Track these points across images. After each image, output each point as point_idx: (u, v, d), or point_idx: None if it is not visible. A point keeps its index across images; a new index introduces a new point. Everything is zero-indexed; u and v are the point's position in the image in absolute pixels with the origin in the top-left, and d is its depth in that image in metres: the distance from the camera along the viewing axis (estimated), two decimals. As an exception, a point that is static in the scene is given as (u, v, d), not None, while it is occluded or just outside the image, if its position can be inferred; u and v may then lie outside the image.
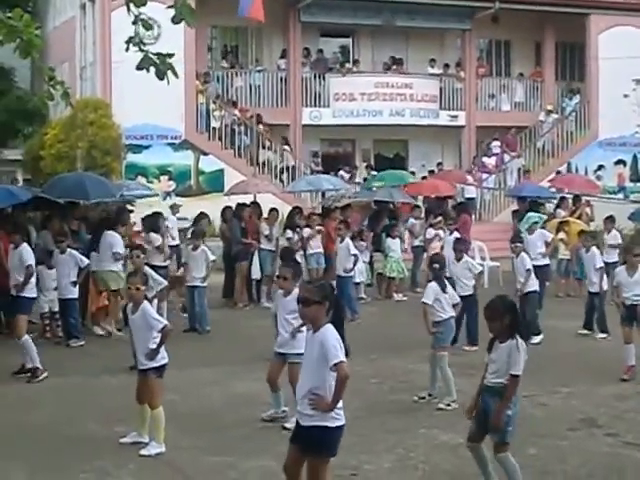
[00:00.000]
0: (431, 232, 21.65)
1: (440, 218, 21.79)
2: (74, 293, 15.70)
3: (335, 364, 6.66)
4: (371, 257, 21.72)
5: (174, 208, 22.15)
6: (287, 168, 30.79)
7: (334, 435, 6.80)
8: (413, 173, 31.48)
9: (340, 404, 6.77)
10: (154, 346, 9.28)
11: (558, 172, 32.37)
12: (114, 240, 16.55)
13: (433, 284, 11.80)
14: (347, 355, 6.87)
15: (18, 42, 8.72)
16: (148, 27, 8.41)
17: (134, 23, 8.48)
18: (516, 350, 7.62)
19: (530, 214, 21.34)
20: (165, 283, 14.38)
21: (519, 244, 15.88)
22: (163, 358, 9.43)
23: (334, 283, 19.62)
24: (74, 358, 14.54)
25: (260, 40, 34.18)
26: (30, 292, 13.46)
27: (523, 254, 15.73)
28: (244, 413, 10.80)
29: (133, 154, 29.06)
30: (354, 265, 18.63)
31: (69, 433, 10.11)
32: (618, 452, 9.46)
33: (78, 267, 15.63)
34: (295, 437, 6.98)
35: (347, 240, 18.59)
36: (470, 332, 14.83)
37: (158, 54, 10.26)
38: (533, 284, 15.58)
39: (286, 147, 31.41)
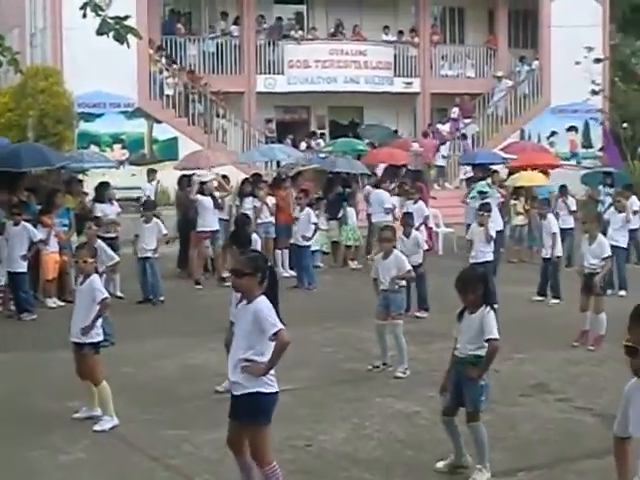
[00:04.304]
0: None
1: (394, 185, 21.88)
2: (23, 267, 15.55)
3: (274, 333, 6.66)
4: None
5: (150, 175, 21.67)
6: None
7: (268, 401, 6.81)
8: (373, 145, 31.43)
9: (272, 372, 6.77)
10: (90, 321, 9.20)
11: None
12: None
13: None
14: None
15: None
16: (101, -7, 8.32)
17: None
18: (486, 315, 7.68)
19: (479, 182, 21.64)
20: (117, 259, 14.27)
21: (486, 213, 15.77)
22: (98, 335, 9.35)
23: (286, 252, 19.76)
24: (26, 332, 14.40)
25: (213, 6, 33.90)
26: None
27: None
28: (199, 385, 10.75)
29: (85, 122, 28.84)
30: (314, 234, 18.71)
31: (20, 408, 10.00)
32: (570, 417, 9.55)
33: (30, 240, 15.52)
34: (232, 411, 6.95)
35: (307, 209, 18.65)
36: (419, 297, 14.94)
37: (116, 18, 10.12)
38: (489, 252, 15.59)
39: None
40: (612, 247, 13.45)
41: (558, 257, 16.21)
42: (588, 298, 12.92)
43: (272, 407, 6.85)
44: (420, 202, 19.38)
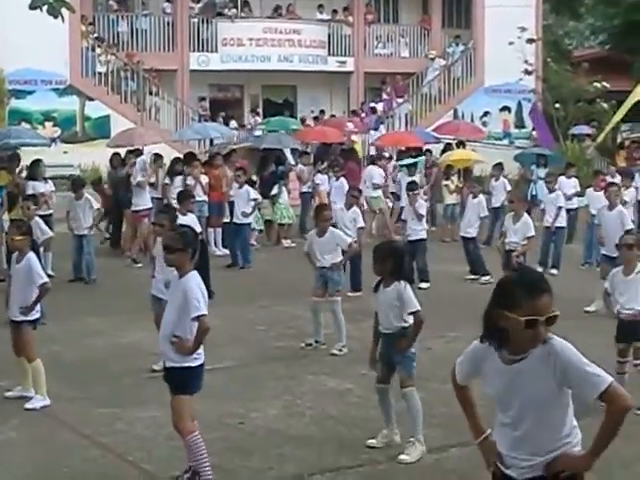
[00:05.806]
0: (319, 178, 21.78)
1: (326, 164, 21.95)
2: None
3: (197, 316, 6.86)
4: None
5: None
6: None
7: (196, 373, 7.03)
8: (303, 120, 31.49)
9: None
10: (31, 302, 9.17)
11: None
12: None
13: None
14: (210, 297, 7.12)
15: None
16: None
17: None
18: (404, 290, 7.77)
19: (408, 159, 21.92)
20: (51, 234, 14.28)
21: (413, 192, 15.91)
22: (37, 312, 9.35)
23: (219, 231, 19.70)
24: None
25: (146, -17, 33.58)
26: None
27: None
28: (131, 363, 10.71)
29: (16, 100, 28.46)
30: (253, 210, 18.68)
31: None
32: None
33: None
34: (165, 377, 7.18)
35: (246, 186, 18.60)
36: (353, 278, 14.98)
37: (48, -9, 9.91)
38: (422, 230, 15.71)
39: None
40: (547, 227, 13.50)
41: (472, 238, 16.34)
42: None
43: (199, 378, 7.06)
44: (342, 179, 19.54)
